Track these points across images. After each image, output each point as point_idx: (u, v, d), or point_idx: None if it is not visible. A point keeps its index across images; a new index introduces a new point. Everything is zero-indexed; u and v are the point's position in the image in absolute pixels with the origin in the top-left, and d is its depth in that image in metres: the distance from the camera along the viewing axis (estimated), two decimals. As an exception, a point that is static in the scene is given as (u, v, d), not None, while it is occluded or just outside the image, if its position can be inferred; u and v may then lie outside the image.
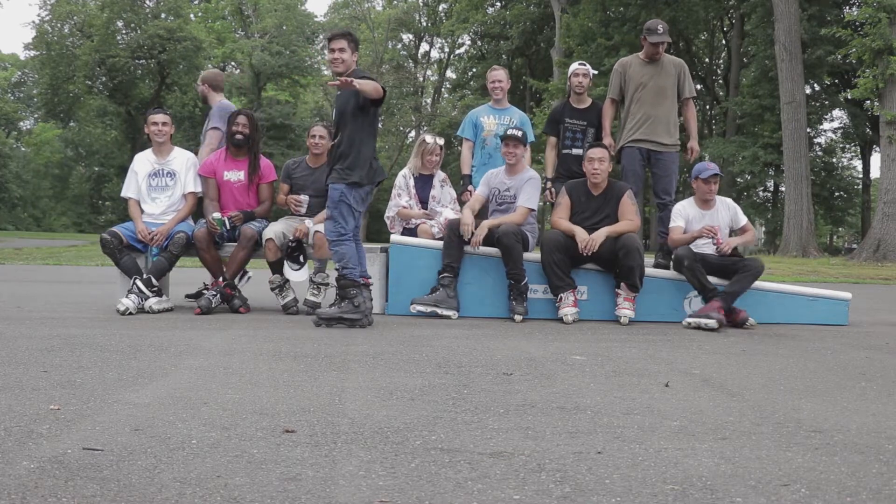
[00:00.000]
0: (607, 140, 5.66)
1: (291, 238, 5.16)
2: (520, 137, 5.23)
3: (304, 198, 5.42)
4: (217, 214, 5.14)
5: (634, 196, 5.28)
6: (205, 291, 5.46)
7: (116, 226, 5.29)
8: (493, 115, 5.97)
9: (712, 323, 4.74)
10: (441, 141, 5.72)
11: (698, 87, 33.40)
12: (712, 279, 5.05)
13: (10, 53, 55.73)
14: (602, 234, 4.97)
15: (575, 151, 5.80)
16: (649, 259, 5.50)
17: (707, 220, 5.20)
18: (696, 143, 5.89)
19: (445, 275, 5.08)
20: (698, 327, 4.79)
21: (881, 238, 17.37)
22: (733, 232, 5.31)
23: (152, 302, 4.94)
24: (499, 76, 6.05)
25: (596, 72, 6.17)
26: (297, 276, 5.17)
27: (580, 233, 5.00)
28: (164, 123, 5.31)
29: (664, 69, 5.67)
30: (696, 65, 35.04)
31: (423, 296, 5.10)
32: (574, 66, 5.98)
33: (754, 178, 29.45)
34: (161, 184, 5.35)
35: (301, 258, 5.17)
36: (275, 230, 5.16)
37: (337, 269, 4.54)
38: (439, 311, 5.04)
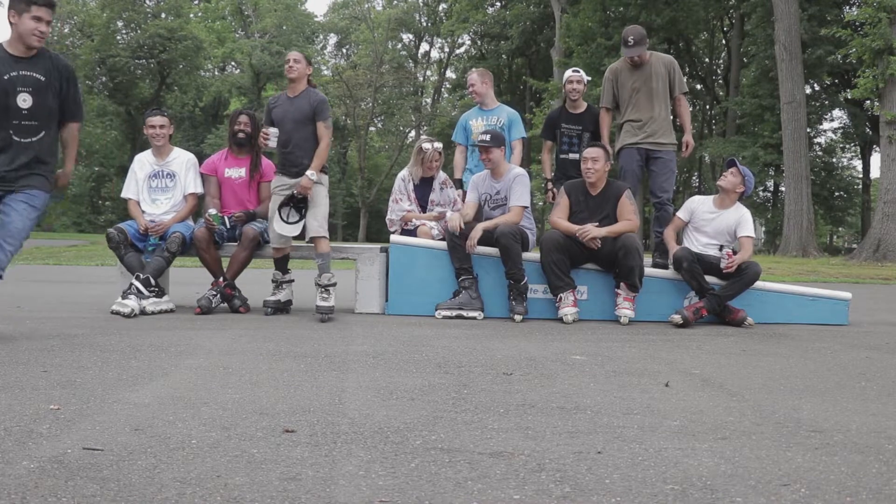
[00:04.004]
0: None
1: (296, 192, 4.90)
2: (488, 141, 5.16)
3: (274, 130, 4.93)
4: (213, 210, 5.13)
5: (633, 196, 5.28)
6: None
7: (122, 223, 5.30)
8: (480, 117, 5.97)
9: (677, 318, 4.93)
10: (439, 145, 5.62)
11: (698, 87, 33.47)
12: (710, 278, 5.06)
13: (9, 53, 55.69)
14: (601, 231, 4.98)
15: (571, 156, 5.82)
16: (648, 259, 5.50)
17: (717, 219, 5.24)
18: (689, 136, 5.88)
19: (464, 277, 5.08)
20: (671, 322, 4.99)
21: (881, 238, 17.38)
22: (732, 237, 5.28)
23: (147, 303, 4.93)
24: (471, 80, 6.02)
25: (590, 78, 6.19)
26: (290, 230, 4.93)
27: (577, 227, 5.01)
28: (161, 126, 5.30)
29: (655, 70, 5.66)
30: (696, 65, 35.05)
31: (446, 301, 5.11)
32: (568, 73, 5.99)
33: (754, 177, 29.46)
34: (161, 185, 5.35)
35: (303, 211, 4.93)
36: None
37: None
38: (464, 313, 5.05)
